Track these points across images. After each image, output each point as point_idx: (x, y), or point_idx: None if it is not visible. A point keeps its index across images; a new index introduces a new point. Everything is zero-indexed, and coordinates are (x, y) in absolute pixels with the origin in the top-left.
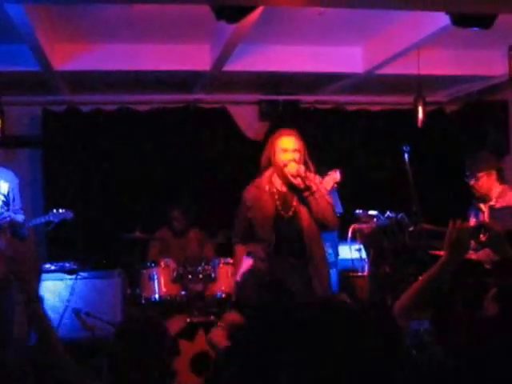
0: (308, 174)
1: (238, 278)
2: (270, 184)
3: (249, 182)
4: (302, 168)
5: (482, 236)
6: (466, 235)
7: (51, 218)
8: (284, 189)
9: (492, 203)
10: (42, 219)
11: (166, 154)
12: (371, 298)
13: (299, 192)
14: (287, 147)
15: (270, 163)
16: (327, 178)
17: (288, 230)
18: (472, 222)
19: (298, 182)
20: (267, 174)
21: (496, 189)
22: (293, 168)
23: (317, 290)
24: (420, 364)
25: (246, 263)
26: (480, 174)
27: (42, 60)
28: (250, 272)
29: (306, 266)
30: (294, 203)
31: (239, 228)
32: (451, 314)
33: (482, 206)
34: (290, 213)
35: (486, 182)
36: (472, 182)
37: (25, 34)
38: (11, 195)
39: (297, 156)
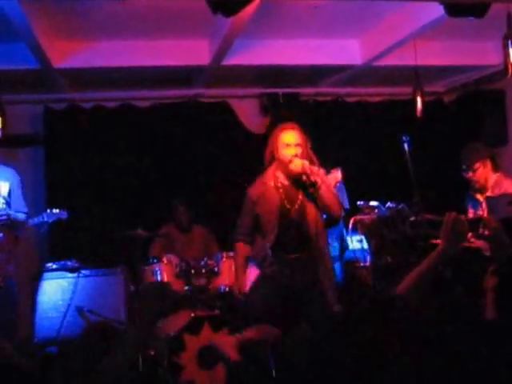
0: (312, 168)
1: (246, 288)
2: (274, 179)
3: (251, 175)
4: (307, 163)
5: (480, 230)
6: (461, 226)
7: (45, 219)
8: (288, 183)
9: (488, 193)
10: (36, 220)
11: (167, 150)
12: (374, 287)
13: (305, 187)
14: (290, 142)
15: (273, 158)
16: (329, 177)
17: (294, 224)
18: (470, 213)
19: (304, 178)
20: (271, 169)
21: (492, 178)
22: (298, 165)
23: (324, 283)
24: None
25: (253, 273)
26: (476, 166)
27: (42, 58)
28: (262, 282)
29: (311, 259)
30: (300, 197)
31: (245, 224)
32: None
33: (479, 196)
34: (296, 206)
35: (483, 173)
36: (469, 175)
37: (23, 32)
38: (13, 195)
39: (299, 150)
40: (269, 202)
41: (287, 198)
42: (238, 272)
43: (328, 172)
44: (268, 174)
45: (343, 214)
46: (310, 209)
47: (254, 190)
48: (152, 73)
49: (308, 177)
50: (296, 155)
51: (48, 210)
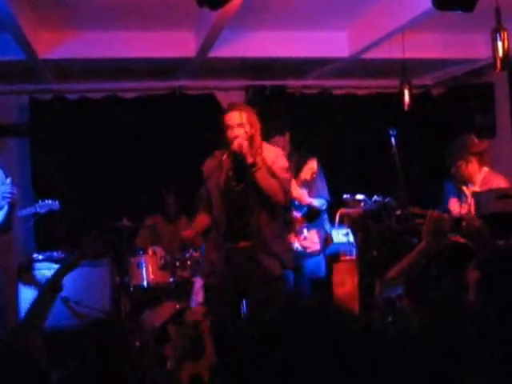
0: (251, 149)
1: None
2: (224, 158)
3: None
4: (245, 143)
5: (462, 229)
6: (443, 225)
7: (38, 209)
8: (233, 164)
9: (476, 188)
10: (28, 211)
11: (153, 141)
12: (360, 281)
13: (247, 168)
14: (231, 123)
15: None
16: (305, 169)
17: (238, 206)
18: (454, 202)
19: (243, 158)
20: (224, 149)
21: (479, 173)
22: (235, 145)
23: (272, 270)
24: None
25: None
26: (459, 163)
27: (27, 49)
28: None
29: (255, 247)
30: (243, 179)
31: (203, 196)
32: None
33: (465, 189)
34: (239, 187)
35: (466, 169)
36: (453, 171)
37: (8, 23)
38: None
39: (241, 131)
40: (216, 179)
41: (232, 181)
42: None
43: (304, 163)
44: (220, 153)
45: (324, 206)
46: (254, 191)
47: (206, 165)
48: (138, 64)
49: (244, 158)
50: (238, 136)
51: (40, 201)
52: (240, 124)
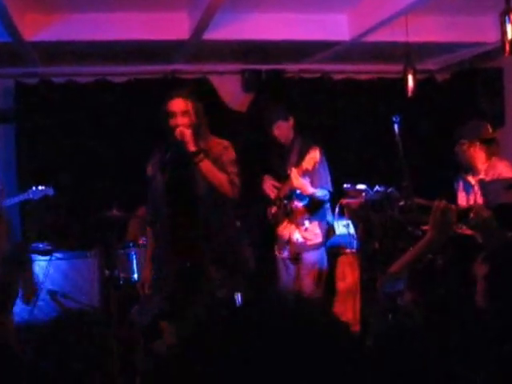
0: (195, 139)
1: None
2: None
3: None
4: (188, 132)
5: (470, 219)
6: (450, 216)
7: (31, 196)
8: (175, 155)
9: (481, 176)
10: (21, 197)
11: (144, 127)
12: (361, 275)
13: (189, 158)
14: (174, 111)
15: None
16: (307, 158)
17: (183, 198)
18: (462, 196)
19: (185, 147)
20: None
21: (483, 161)
22: (177, 132)
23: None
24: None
25: None
26: (461, 141)
27: (12, 31)
28: None
29: (204, 239)
30: (189, 168)
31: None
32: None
33: (470, 179)
34: (185, 177)
35: (467, 152)
36: (455, 149)
37: None
38: None
39: (185, 120)
40: (160, 177)
41: (178, 168)
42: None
43: (306, 153)
44: (157, 151)
45: (327, 197)
46: (200, 182)
47: (148, 168)
48: (128, 47)
49: (186, 146)
50: (181, 124)
51: (33, 187)
52: (184, 112)
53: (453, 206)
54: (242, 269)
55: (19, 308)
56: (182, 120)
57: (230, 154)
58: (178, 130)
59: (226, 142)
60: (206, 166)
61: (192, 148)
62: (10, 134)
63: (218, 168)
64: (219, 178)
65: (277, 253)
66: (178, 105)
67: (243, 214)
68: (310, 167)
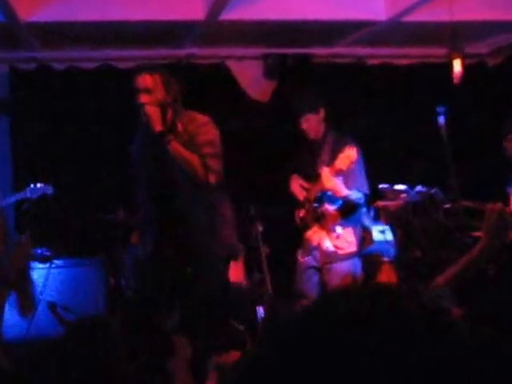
0: (165, 118)
1: None
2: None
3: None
4: (154, 111)
5: None
6: (507, 220)
7: (28, 195)
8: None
9: None
10: (18, 196)
11: None
12: (400, 287)
13: (159, 138)
14: (139, 87)
15: None
16: (341, 156)
17: (162, 182)
18: None
19: (150, 127)
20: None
21: None
22: (141, 112)
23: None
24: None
25: None
26: (510, 136)
27: (7, 10)
28: None
29: (184, 235)
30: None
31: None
32: None
33: None
34: (159, 161)
35: None
36: (504, 144)
37: None
38: None
39: (151, 97)
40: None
41: (153, 152)
42: None
43: (340, 151)
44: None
45: (361, 200)
46: (174, 168)
47: (132, 150)
48: (136, 29)
49: (151, 123)
50: (144, 102)
51: (31, 185)
52: (149, 89)
53: (508, 209)
54: (219, 256)
55: (15, 320)
56: (145, 98)
57: (209, 133)
58: (142, 110)
59: (204, 118)
60: (175, 147)
61: (158, 128)
62: (4, 125)
63: (192, 149)
64: (190, 160)
65: (299, 257)
66: (142, 81)
67: (268, 216)
68: (344, 167)
